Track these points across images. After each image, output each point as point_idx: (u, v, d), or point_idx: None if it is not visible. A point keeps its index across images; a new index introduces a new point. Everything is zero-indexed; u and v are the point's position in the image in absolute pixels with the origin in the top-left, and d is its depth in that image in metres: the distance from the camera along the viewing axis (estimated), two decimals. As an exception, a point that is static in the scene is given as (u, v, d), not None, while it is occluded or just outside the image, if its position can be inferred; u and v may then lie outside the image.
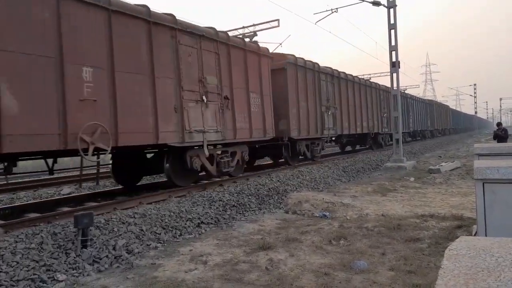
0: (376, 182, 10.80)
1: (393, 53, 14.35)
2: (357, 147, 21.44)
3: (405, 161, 14.15)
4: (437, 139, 34.14)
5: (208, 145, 8.41)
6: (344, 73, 16.02)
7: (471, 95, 65.26)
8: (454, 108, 73.68)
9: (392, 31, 14.25)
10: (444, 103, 66.09)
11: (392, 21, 14.22)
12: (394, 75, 14.56)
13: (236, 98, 9.22)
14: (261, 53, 10.41)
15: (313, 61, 13.52)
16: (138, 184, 9.47)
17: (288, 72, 11.81)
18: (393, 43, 14.29)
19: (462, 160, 15.00)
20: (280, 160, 13.28)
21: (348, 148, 21.21)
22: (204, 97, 8.26)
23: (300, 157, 13.25)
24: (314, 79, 13.38)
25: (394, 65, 14.39)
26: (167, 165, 8.04)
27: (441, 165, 12.65)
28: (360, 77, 19.41)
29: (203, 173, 9.12)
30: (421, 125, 30.26)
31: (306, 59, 13.02)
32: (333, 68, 15.31)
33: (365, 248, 4.83)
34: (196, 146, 8.28)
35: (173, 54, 7.66)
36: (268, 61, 10.81)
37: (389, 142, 21.13)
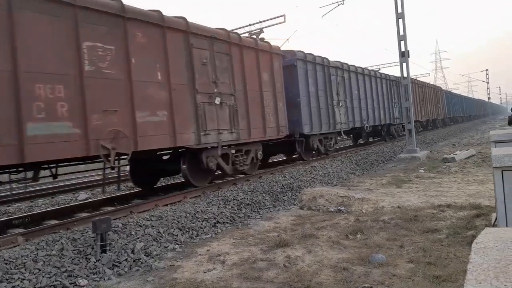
0: (390, 174, 10.71)
1: (402, 42, 14.19)
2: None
3: (418, 151, 14.01)
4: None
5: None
6: (224, 31, 8.73)
7: (483, 81, 64.37)
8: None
9: (400, 20, 14.09)
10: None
11: (399, 10, 14.05)
12: (404, 65, 14.40)
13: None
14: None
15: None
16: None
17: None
18: (401, 33, 14.13)
19: (477, 147, 14.78)
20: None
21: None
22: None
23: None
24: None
25: (404, 55, 14.24)
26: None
27: (456, 154, 12.49)
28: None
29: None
30: (383, 116, 18.13)
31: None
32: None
33: (382, 241, 4.81)
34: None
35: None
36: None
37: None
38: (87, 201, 8.65)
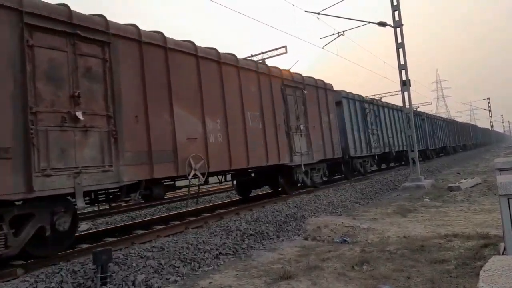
0: (395, 203, 10.58)
1: (403, 71, 14.37)
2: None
3: (423, 179, 13.89)
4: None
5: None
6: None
7: (485, 109, 64.67)
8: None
9: (400, 50, 14.32)
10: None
11: (399, 40, 14.31)
12: (406, 93, 14.52)
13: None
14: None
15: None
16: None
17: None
18: (402, 62, 14.33)
19: (482, 176, 14.66)
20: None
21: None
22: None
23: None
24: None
25: (405, 84, 14.38)
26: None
27: (461, 182, 12.36)
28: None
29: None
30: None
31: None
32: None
33: (389, 272, 4.68)
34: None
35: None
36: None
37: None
38: (88, 231, 8.56)
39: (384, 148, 18.22)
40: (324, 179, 15.37)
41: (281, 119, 10.93)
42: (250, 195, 12.81)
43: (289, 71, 11.73)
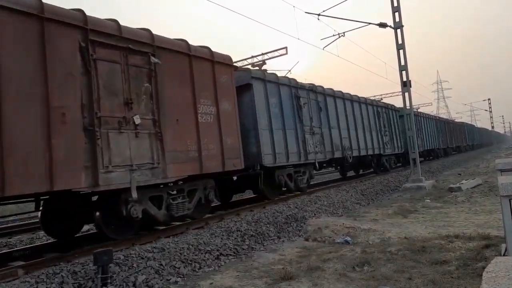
0: (396, 203, 10.57)
1: (403, 72, 14.37)
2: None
3: (424, 180, 13.88)
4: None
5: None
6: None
7: (486, 110, 64.70)
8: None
9: (401, 51, 14.33)
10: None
11: (400, 42, 14.32)
12: (406, 94, 14.52)
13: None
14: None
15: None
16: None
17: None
18: (402, 63, 14.33)
19: (483, 176, 14.64)
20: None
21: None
22: None
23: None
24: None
25: (406, 85, 14.38)
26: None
27: (462, 183, 12.35)
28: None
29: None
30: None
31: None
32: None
33: (390, 273, 4.68)
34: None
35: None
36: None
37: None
38: (89, 232, 8.56)
39: (333, 152, 13.07)
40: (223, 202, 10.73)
41: (75, 103, 5.78)
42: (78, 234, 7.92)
43: (115, 20, 6.64)
